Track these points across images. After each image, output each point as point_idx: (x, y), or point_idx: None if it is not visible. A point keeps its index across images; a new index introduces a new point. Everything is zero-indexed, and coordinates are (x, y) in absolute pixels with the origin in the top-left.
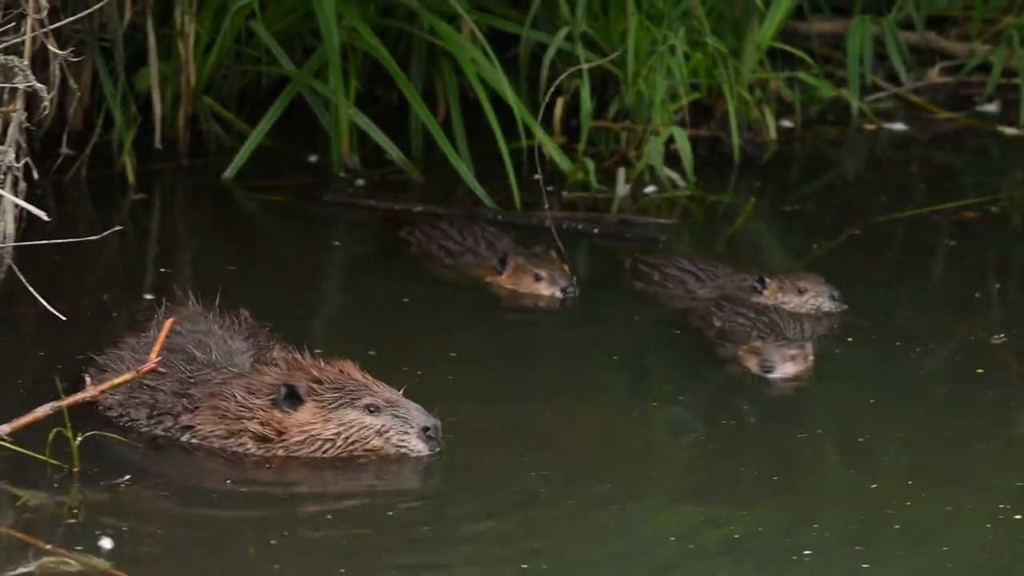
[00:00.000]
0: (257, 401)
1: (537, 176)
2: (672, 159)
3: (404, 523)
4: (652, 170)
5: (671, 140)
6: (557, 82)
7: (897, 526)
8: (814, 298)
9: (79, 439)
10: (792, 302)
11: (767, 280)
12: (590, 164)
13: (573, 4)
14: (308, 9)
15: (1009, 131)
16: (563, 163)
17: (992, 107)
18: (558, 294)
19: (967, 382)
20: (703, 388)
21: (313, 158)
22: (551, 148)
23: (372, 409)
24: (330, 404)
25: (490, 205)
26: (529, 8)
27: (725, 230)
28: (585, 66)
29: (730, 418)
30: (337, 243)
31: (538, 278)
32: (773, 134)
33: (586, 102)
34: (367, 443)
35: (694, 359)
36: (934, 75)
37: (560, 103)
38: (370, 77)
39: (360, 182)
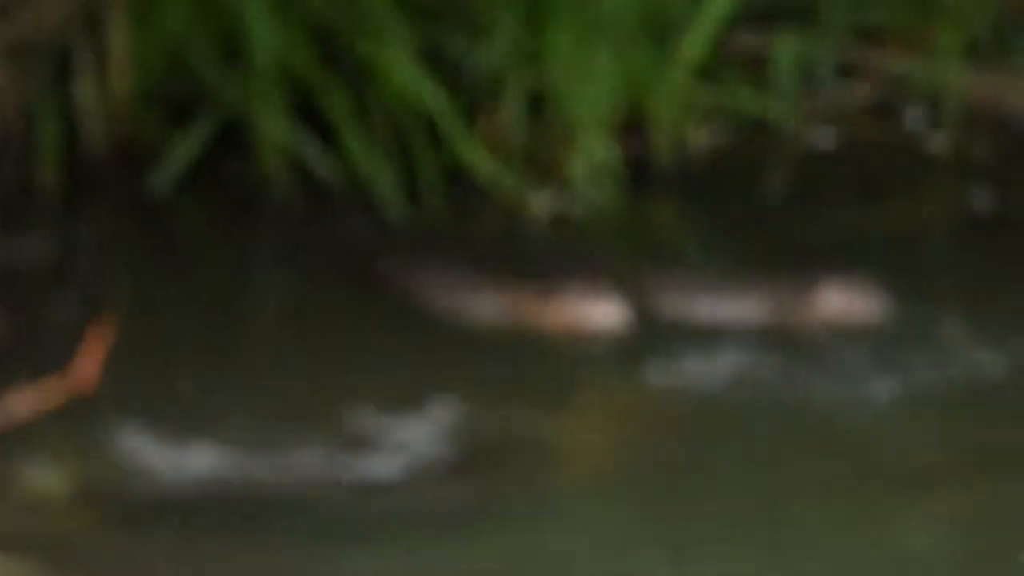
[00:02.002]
0: None
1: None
2: (599, 174)
3: None
4: (578, 185)
5: (598, 155)
6: (501, 103)
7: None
8: (862, 305)
9: None
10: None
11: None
12: (517, 178)
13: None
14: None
15: (940, 147)
16: (490, 176)
17: (921, 123)
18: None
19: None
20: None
21: (241, 169)
22: (478, 161)
23: None
24: None
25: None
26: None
27: (649, 244)
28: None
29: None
30: (272, 255)
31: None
32: (699, 150)
33: (514, 116)
34: None
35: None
36: (862, 90)
37: (487, 118)
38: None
39: (287, 193)
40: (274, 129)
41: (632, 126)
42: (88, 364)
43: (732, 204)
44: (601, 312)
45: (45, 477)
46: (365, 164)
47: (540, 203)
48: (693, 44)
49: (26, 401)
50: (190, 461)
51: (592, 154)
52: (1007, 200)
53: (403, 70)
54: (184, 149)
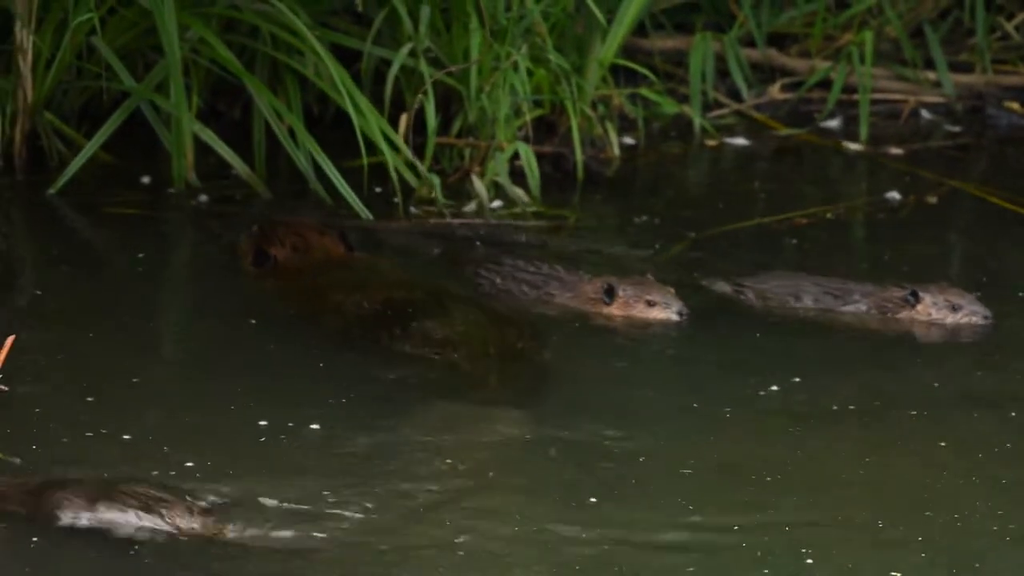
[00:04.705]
0: None
1: (379, 190)
2: (516, 175)
3: None
4: (496, 186)
5: (515, 156)
6: (417, 103)
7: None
8: (969, 316)
9: None
10: (947, 318)
11: (920, 294)
12: (435, 180)
13: (416, 20)
14: (150, 24)
15: (852, 146)
16: (411, 178)
17: (834, 123)
18: (674, 316)
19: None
20: None
21: (146, 179)
22: (398, 163)
23: None
24: None
25: (332, 208)
26: (372, 24)
27: (567, 245)
28: (437, 76)
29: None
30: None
31: (651, 304)
32: (616, 150)
33: (430, 118)
34: None
35: None
36: (775, 91)
37: (404, 120)
38: (212, 92)
39: (203, 198)
40: (185, 127)
41: (551, 125)
42: None
43: (650, 200)
44: (657, 311)
45: None
46: (276, 164)
47: (476, 188)
48: (609, 46)
49: None
50: None
51: (510, 153)
52: (915, 192)
53: (321, 70)
54: (87, 148)
